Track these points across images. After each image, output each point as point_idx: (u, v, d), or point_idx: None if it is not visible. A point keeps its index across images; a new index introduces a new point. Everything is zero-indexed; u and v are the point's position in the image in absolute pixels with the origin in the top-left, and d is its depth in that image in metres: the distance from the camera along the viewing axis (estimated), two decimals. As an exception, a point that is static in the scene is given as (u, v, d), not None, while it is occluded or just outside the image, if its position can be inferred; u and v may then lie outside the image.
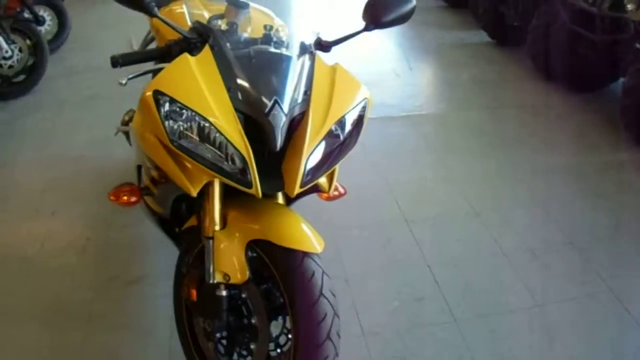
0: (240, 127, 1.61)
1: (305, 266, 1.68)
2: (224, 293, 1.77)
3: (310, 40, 1.89)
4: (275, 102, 1.64)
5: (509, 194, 3.31)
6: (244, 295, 1.82)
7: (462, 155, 3.72)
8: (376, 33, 1.96)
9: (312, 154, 1.64)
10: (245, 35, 1.89)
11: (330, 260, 2.31)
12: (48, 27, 5.64)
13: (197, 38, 1.84)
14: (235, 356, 1.93)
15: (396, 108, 4.34)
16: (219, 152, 1.60)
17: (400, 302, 2.53)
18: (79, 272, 2.74)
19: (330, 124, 1.69)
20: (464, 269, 2.71)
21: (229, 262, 1.75)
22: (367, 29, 1.94)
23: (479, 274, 2.68)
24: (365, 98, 1.81)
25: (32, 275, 2.74)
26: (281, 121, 1.63)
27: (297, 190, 1.61)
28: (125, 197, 2.06)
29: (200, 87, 1.63)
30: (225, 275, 1.74)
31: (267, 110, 1.63)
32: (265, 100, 1.64)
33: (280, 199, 1.90)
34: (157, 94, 1.61)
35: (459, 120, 4.22)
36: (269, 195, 1.79)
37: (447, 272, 2.69)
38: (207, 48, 1.75)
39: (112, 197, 2.07)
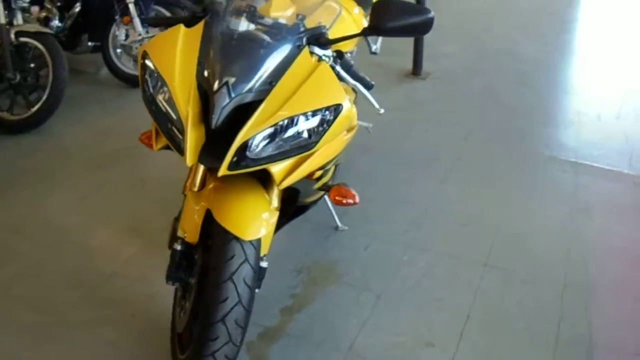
0: (192, 97, 1.70)
1: (228, 247, 1.77)
2: (178, 247, 1.94)
3: (306, 34, 1.86)
4: (225, 83, 1.66)
5: None
6: (195, 257, 1.96)
7: None
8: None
9: (253, 142, 1.65)
10: (254, 17, 1.86)
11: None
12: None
13: (202, 13, 1.93)
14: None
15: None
16: (170, 116, 1.73)
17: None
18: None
19: (279, 118, 1.66)
20: None
21: (189, 222, 1.92)
22: (364, 32, 1.89)
23: None
24: (339, 104, 1.74)
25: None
26: (224, 102, 1.65)
27: (224, 171, 1.66)
28: (146, 140, 2.12)
29: (175, 55, 1.77)
30: (185, 232, 1.92)
31: (215, 89, 1.67)
32: (217, 79, 1.68)
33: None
34: (144, 53, 1.81)
35: None
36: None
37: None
38: (202, 22, 1.86)
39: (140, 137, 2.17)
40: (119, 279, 2.61)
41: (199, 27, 1.85)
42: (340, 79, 1.92)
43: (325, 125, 1.73)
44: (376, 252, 2.78)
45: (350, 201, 2.06)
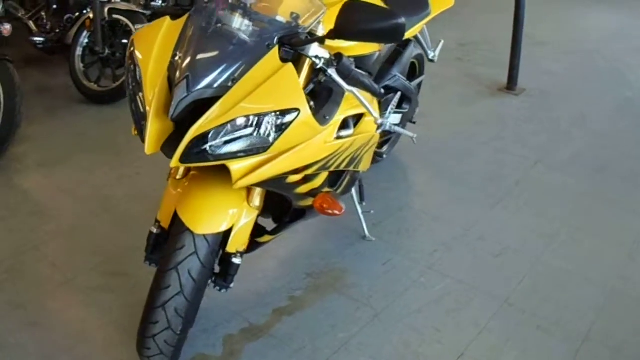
0: (159, 88, 1.72)
1: (180, 237, 1.80)
2: (154, 230, 2.02)
3: (278, 34, 1.78)
4: (186, 77, 1.64)
5: None
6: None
7: None
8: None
9: (210, 137, 1.63)
10: (240, 13, 1.80)
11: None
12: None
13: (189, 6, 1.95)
14: None
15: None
16: (140, 105, 1.75)
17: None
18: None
19: (232, 116, 1.62)
20: None
21: (165, 207, 1.98)
22: (329, 35, 1.76)
23: None
24: (296, 109, 1.67)
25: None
26: (182, 95, 1.63)
27: (175, 162, 1.65)
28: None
29: (154, 46, 1.80)
30: (161, 217, 2.00)
31: (176, 82, 1.66)
32: (180, 72, 1.67)
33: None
34: (131, 42, 1.86)
35: None
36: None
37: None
38: (186, 16, 1.86)
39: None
40: (138, 252, 2.68)
41: (181, 20, 1.85)
42: (334, 83, 1.84)
43: (280, 128, 1.67)
44: (394, 268, 2.64)
45: (332, 212, 1.98)
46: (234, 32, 1.75)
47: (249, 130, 1.65)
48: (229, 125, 1.64)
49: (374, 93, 1.95)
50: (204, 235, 1.80)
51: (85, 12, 3.98)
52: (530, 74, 4.70)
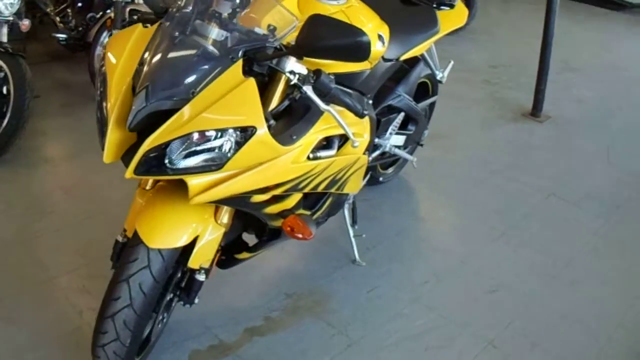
0: (122, 96, 1.67)
1: (135, 249, 1.77)
2: (119, 239, 1.98)
3: (243, 47, 1.71)
4: (146, 87, 1.61)
5: None
6: None
7: None
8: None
9: (170, 150, 1.59)
10: (213, 22, 1.75)
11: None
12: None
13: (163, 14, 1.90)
14: None
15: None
16: (104, 112, 1.71)
17: None
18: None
19: (186, 130, 1.57)
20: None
21: (130, 216, 1.95)
22: (290, 52, 1.70)
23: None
24: (252, 127, 1.60)
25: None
26: (140, 105, 1.60)
27: (129, 173, 1.62)
28: None
29: (122, 53, 1.76)
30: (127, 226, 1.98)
31: (137, 91, 1.63)
32: (142, 82, 1.64)
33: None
34: (105, 45, 1.86)
35: None
36: None
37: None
38: (157, 23, 1.83)
39: None
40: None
41: (153, 28, 1.81)
42: (309, 100, 1.76)
43: (235, 146, 1.60)
44: (379, 297, 2.54)
45: (300, 236, 1.90)
46: (200, 43, 1.69)
47: (206, 146, 1.59)
48: (185, 140, 1.58)
49: (356, 113, 1.86)
50: (159, 250, 1.75)
51: (108, 11, 4.00)
52: (558, 100, 4.53)
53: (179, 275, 2.00)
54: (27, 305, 2.37)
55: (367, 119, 2.20)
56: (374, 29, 2.05)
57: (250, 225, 2.16)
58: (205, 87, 1.62)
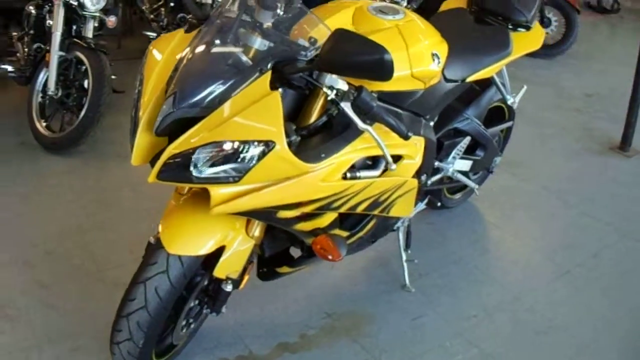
0: (155, 101, 1.68)
1: (155, 253, 1.79)
2: (151, 241, 1.90)
3: (273, 59, 1.68)
4: (174, 93, 1.61)
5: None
6: None
7: None
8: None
9: (196, 158, 1.57)
10: (250, 31, 1.74)
11: None
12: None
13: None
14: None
15: None
16: (137, 114, 1.73)
17: None
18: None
19: (206, 140, 1.56)
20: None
21: (163, 218, 1.92)
22: (315, 66, 1.64)
23: None
24: (271, 141, 1.56)
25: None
26: (167, 111, 1.60)
27: (152, 178, 1.61)
28: None
29: (162, 56, 1.78)
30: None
31: (167, 96, 1.64)
32: (172, 88, 1.64)
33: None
34: (147, 50, 1.84)
35: None
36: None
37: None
38: (199, 28, 1.80)
39: None
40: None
41: (194, 33, 1.80)
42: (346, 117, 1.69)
43: (253, 160, 1.56)
44: (422, 325, 2.43)
45: (329, 257, 1.83)
46: (233, 52, 1.67)
47: (226, 157, 1.56)
48: (209, 148, 1.56)
49: (400, 134, 1.77)
50: (179, 256, 1.75)
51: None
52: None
53: (205, 282, 1.98)
54: (72, 294, 2.44)
55: (421, 140, 2.11)
56: (428, 47, 1.96)
57: (295, 240, 2.12)
58: (231, 97, 1.60)
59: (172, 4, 4.44)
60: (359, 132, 1.76)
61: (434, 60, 1.95)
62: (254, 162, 1.56)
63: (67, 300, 2.42)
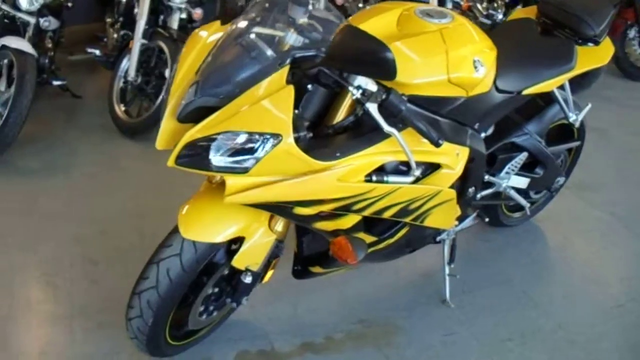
0: (183, 88, 1.72)
1: (171, 235, 1.86)
2: None
3: (292, 55, 1.67)
4: (197, 82, 1.66)
5: None
6: None
7: None
8: None
9: (213, 146, 1.60)
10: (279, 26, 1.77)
11: None
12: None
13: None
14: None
15: None
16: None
17: None
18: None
19: (220, 129, 1.58)
20: None
21: None
22: (324, 62, 1.67)
23: None
24: (278, 134, 1.55)
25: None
26: (189, 99, 1.65)
27: (171, 162, 1.64)
28: None
29: (197, 47, 1.81)
30: None
31: (191, 84, 1.68)
32: (197, 77, 1.69)
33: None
34: (188, 40, 1.88)
35: None
36: None
37: None
38: (229, 24, 1.84)
39: None
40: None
41: (226, 27, 1.83)
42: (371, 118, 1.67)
43: (260, 152, 1.57)
44: (453, 343, 2.35)
45: (346, 259, 1.81)
46: (258, 45, 1.69)
47: (234, 148, 1.59)
48: (227, 137, 1.58)
49: (431, 141, 1.72)
50: (193, 242, 1.78)
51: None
52: None
53: (226, 271, 2.01)
54: (116, 273, 2.54)
55: (465, 150, 2.03)
56: (470, 53, 1.88)
57: None
58: (249, 89, 1.61)
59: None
60: (385, 135, 1.72)
61: (475, 67, 1.88)
62: (261, 154, 1.57)
63: (110, 278, 2.52)
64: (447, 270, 2.55)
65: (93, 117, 3.97)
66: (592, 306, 2.60)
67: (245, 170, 1.59)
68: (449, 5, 4.42)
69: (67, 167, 3.37)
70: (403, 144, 1.69)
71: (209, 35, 1.84)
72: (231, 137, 1.58)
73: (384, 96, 1.63)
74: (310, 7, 1.77)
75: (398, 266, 2.65)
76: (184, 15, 4.06)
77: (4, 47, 3.32)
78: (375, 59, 1.54)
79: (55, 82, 3.92)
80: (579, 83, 4.26)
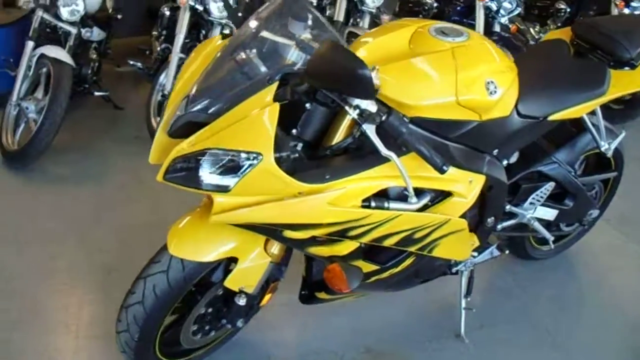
0: (177, 103, 1.68)
1: (161, 251, 1.82)
2: None
3: (280, 72, 1.63)
4: (187, 96, 1.64)
5: None
6: None
7: None
8: None
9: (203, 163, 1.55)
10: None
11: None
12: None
13: None
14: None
15: None
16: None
17: None
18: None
19: (203, 146, 1.54)
20: None
21: None
22: (304, 78, 1.61)
23: None
24: (258, 153, 1.50)
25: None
26: (179, 113, 1.63)
27: (159, 177, 1.59)
28: None
29: (196, 61, 1.79)
30: None
31: (181, 99, 1.67)
32: (188, 91, 1.66)
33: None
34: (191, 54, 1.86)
35: None
36: None
37: None
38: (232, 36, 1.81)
39: None
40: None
41: (226, 40, 1.79)
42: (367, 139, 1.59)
43: (241, 170, 1.51)
44: (463, 381, 2.22)
45: (336, 287, 1.73)
46: (250, 61, 1.64)
47: (225, 165, 1.54)
48: (209, 155, 1.54)
49: (435, 167, 1.62)
50: (181, 259, 1.75)
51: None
52: None
53: (220, 292, 1.96)
54: (129, 284, 2.52)
55: (480, 178, 1.92)
56: (483, 74, 1.77)
57: None
58: (235, 106, 1.57)
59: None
60: (385, 158, 1.63)
61: (488, 89, 1.77)
62: (242, 173, 1.52)
63: (122, 289, 2.50)
64: (463, 304, 2.42)
65: (131, 128, 4.03)
66: (614, 352, 2.42)
67: (226, 189, 1.54)
68: (497, 28, 4.27)
69: (98, 176, 3.42)
70: (401, 169, 1.60)
71: (210, 49, 1.81)
72: (216, 154, 1.54)
73: (383, 117, 1.55)
74: (309, 22, 1.71)
75: (414, 296, 2.54)
76: (226, 31, 4.09)
77: (43, 55, 3.41)
78: (350, 76, 1.46)
79: (97, 93, 4.01)
80: (625, 112, 4.04)
